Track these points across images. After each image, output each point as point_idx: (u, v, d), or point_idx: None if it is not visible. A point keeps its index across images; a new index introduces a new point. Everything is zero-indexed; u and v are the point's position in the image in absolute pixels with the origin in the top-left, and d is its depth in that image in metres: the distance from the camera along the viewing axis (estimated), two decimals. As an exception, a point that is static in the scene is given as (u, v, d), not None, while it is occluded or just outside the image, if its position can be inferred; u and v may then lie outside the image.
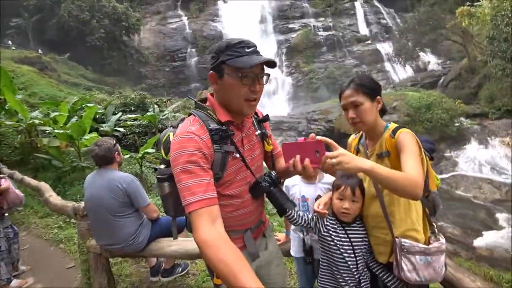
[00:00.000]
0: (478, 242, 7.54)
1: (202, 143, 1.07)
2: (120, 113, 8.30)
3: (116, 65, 24.12)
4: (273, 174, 1.31)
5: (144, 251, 2.32)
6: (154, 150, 7.23)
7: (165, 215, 1.58)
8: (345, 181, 1.49)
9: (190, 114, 1.20)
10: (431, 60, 24.76)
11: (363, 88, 1.40)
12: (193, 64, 26.15)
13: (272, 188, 1.27)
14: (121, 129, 7.52)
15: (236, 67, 1.07)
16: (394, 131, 1.39)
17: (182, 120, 1.27)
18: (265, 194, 1.31)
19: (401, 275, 1.37)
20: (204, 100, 1.24)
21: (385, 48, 26.11)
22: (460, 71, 19.28)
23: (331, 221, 1.55)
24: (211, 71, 1.15)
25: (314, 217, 1.58)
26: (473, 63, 18.20)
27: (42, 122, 5.85)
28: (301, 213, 1.57)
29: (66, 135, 5.10)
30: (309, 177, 1.75)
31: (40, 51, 21.82)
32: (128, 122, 7.76)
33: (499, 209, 9.17)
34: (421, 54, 24.09)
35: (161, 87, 24.86)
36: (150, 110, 9.10)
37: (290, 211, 1.49)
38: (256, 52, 1.13)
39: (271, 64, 1.12)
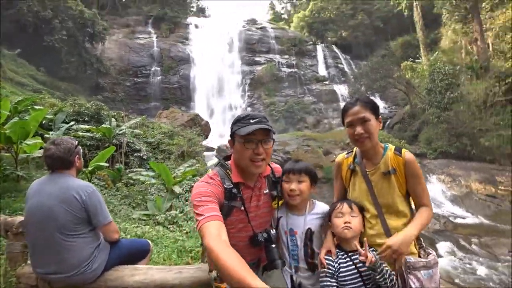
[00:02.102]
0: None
1: (217, 190, 1.35)
2: (72, 122, 7.45)
3: (74, 71, 22.22)
4: (272, 232, 1.46)
5: (98, 281, 1.85)
6: (107, 165, 6.51)
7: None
8: (340, 200, 1.60)
9: (217, 164, 1.52)
10: (379, 104, 27.30)
11: (371, 106, 1.50)
12: (156, 83, 25.37)
13: (267, 243, 1.43)
14: (70, 140, 6.67)
15: (240, 135, 1.36)
16: (398, 150, 1.54)
17: (217, 163, 1.53)
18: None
19: None
20: (229, 158, 1.53)
21: (341, 89, 28.25)
22: (404, 115, 21.51)
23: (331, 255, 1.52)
24: (229, 139, 1.48)
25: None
26: (414, 109, 20.51)
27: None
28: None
29: (4, 136, 4.27)
30: (295, 208, 1.57)
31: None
32: (80, 133, 6.95)
33: (439, 238, 9.88)
34: (371, 98, 26.53)
35: (119, 101, 23.34)
36: (106, 122, 8.36)
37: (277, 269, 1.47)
38: (260, 122, 1.37)
39: (271, 130, 1.40)
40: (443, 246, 9.29)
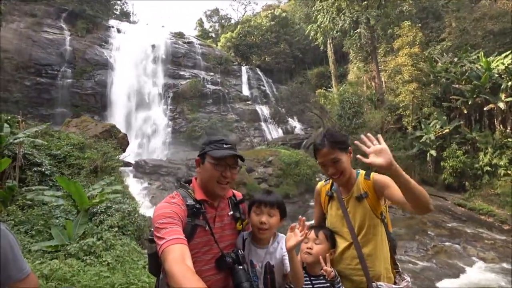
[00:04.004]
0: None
1: (180, 210, 1.32)
2: None
3: None
4: (240, 253, 1.44)
5: None
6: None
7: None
8: (310, 226, 1.66)
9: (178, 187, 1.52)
10: (297, 126, 29.83)
11: (339, 145, 1.57)
12: (65, 86, 21.55)
13: (235, 265, 1.39)
14: None
15: (212, 157, 1.42)
16: (368, 174, 1.62)
17: (178, 186, 1.55)
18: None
19: None
20: (189, 182, 1.54)
21: (263, 110, 29.73)
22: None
23: None
24: (198, 157, 1.51)
25: None
26: (327, 132, 23.06)
27: None
28: None
29: None
30: (259, 240, 1.55)
31: None
32: (-45, 141, 5.36)
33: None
34: (290, 119, 28.84)
35: (14, 103, 18.83)
36: (-5, 129, 6.72)
37: None
38: (232, 148, 1.46)
39: (242, 157, 1.48)
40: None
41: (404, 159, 15.67)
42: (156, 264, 1.39)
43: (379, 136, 1.40)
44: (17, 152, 7.27)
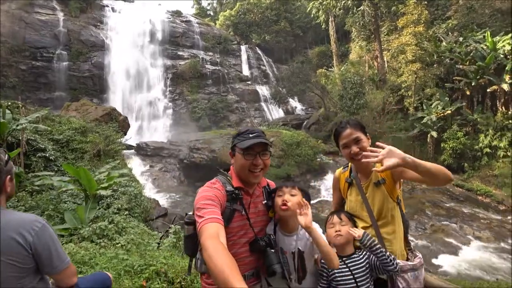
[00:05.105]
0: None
1: (220, 194, 1.44)
2: None
3: None
4: (272, 237, 1.53)
5: None
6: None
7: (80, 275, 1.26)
8: (332, 212, 1.76)
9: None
10: (297, 106, 29.67)
11: (360, 126, 1.69)
12: (61, 69, 21.16)
13: (267, 248, 1.47)
14: None
15: (240, 148, 1.52)
16: None
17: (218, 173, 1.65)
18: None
19: None
20: (227, 169, 1.65)
21: (263, 90, 29.45)
22: (319, 117, 23.86)
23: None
24: (230, 151, 1.64)
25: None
26: (328, 112, 22.96)
27: None
28: None
29: None
30: (286, 227, 1.60)
31: None
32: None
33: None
34: (291, 100, 28.62)
35: (10, 88, 18.58)
36: (-3, 116, 6.67)
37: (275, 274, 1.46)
38: (258, 136, 1.52)
39: (268, 143, 1.55)
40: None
41: (404, 140, 15.74)
42: (193, 245, 1.50)
43: (378, 143, 1.50)
44: (20, 138, 7.27)
